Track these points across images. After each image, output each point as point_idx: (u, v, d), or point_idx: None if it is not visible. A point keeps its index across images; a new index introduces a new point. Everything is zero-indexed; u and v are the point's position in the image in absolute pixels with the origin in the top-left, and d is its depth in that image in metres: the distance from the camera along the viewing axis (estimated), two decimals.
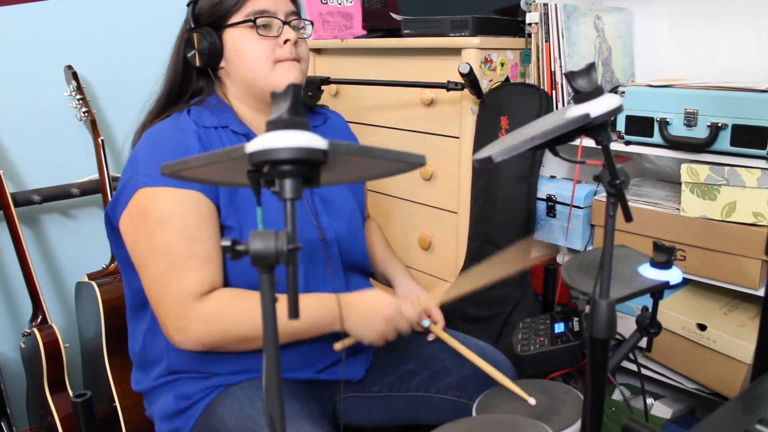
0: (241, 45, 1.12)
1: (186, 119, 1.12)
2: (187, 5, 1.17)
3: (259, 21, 1.12)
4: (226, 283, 1.09)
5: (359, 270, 1.28)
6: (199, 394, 1.11)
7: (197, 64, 1.14)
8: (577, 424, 1.00)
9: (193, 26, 1.15)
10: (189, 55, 1.14)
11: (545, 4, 1.53)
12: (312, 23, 1.22)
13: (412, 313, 1.12)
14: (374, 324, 1.08)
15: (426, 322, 1.21)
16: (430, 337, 1.25)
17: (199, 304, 1.02)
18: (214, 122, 1.13)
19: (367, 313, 1.08)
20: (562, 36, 1.52)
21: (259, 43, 1.12)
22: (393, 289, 1.37)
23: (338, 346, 1.14)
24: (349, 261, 1.23)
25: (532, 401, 1.04)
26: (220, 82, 1.18)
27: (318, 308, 1.07)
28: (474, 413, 1.10)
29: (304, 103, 1.38)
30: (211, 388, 1.11)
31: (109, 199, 1.74)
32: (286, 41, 1.13)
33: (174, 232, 1.03)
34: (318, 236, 1.17)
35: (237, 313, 1.05)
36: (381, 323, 1.08)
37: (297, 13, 1.19)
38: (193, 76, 1.18)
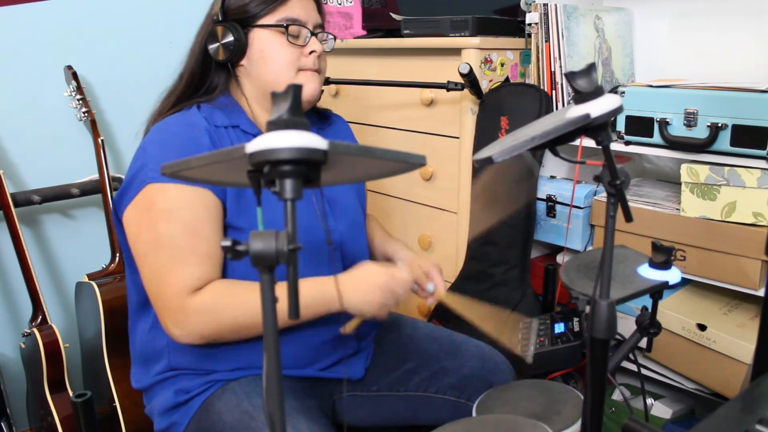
0: (268, 48, 1.12)
1: (197, 115, 1.11)
2: None
3: (291, 29, 1.12)
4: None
5: None
6: (198, 388, 1.11)
7: (219, 57, 1.13)
8: (577, 424, 1.01)
9: (219, 19, 1.13)
10: (211, 47, 1.13)
11: (545, 4, 1.53)
12: (335, 37, 1.23)
13: (405, 274, 1.10)
14: (370, 295, 1.06)
15: (431, 286, 1.18)
16: (431, 300, 1.22)
17: (195, 298, 1.03)
18: (225, 121, 1.13)
19: (361, 285, 1.07)
20: (562, 36, 1.53)
21: (286, 49, 1.12)
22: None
23: (347, 328, 1.13)
24: (352, 262, 1.22)
25: (528, 359, 1.03)
26: (236, 80, 1.18)
27: (312, 290, 1.06)
28: (474, 414, 1.10)
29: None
30: (210, 383, 1.11)
31: (110, 199, 1.74)
32: (311, 52, 1.14)
33: (179, 225, 1.03)
34: (324, 238, 1.17)
35: (232, 302, 1.05)
36: (377, 293, 1.06)
37: (322, 27, 1.20)
38: (212, 70, 1.17)
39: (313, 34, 1.15)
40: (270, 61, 1.13)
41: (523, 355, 1.05)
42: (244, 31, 1.13)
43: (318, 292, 1.06)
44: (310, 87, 1.15)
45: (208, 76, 1.17)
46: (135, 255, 1.08)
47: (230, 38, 1.12)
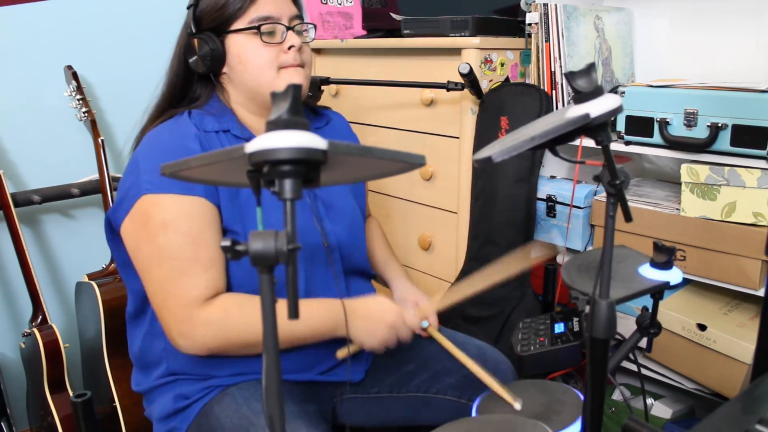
0: (244, 52, 1.11)
1: (187, 122, 1.11)
2: (188, 8, 1.15)
3: (263, 28, 1.10)
4: (229, 286, 1.09)
5: (360, 273, 1.27)
6: (197, 394, 1.11)
7: (199, 70, 1.12)
8: (577, 424, 1.00)
9: (194, 31, 1.12)
10: (191, 60, 1.12)
11: (545, 4, 1.53)
12: (315, 27, 1.21)
13: (414, 320, 1.13)
14: (377, 331, 1.09)
15: (425, 323, 1.21)
16: (425, 334, 1.24)
17: (204, 309, 1.02)
18: (215, 126, 1.12)
19: (371, 320, 1.09)
20: (562, 36, 1.52)
21: (263, 49, 1.10)
22: (390, 290, 1.37)
23: (341, 353, 1.14)
24: (351, 265, 1.22)
25: (517, 406, 1.04)
26: (221, 88, 1.17)
27: (321, 313, 1.07)
28: (474, 414, 1.10)
29: (307, 104, 1.37)
30: (209, 389, 1.11)
31: (110, 199, 1.74)
32: (290, 47, 1.12)
33: (178, 236, 1.02)
34: (320, 241, 1.16)
35: (242, 319, 1.04)
36: (384, 330, 1.08)
37: (300, 17, 1.17)
38: (194, 81, 1.17)
39: (289, 28, 1.13)
40: (249, 65, 1.11)
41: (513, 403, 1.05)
42: (220, 39, 1.11)
43: (327, 318, 1.08)
44: (295, 83, 1.13)
45: (189, 88, 1.17)
46: (137, 268, 1.08)
47: (206, 49, 1.10)
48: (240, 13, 1.11)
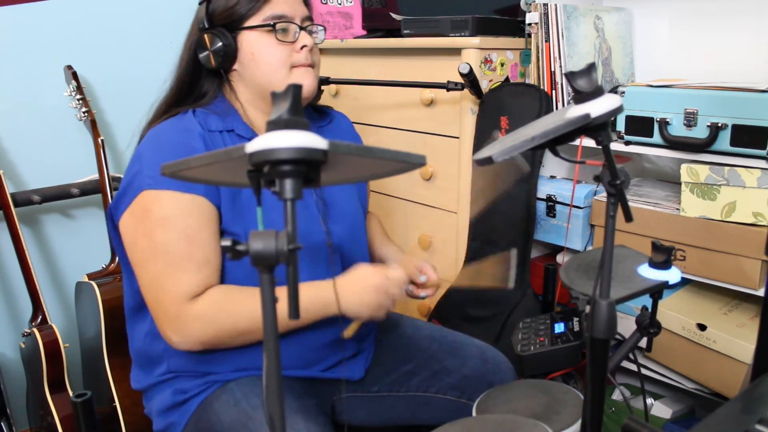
0: (258, 49, 1.11)
1: (191, 120, 1.11)
2: (200, 3, 1.15)
3: (278, 26, 1.11)
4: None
5: None
6: (196, 389, 1.11)
7: (211, 65, 1.12)
8: (577, 424, 1.01)
9: (206, 26, 1.13)
10: (202, 56, 1.12)
11: (545, 4, 1.53)
12: (325, 29, 1.22)
13: (399, 274, 1.10)
14: (366, 297, 1.06)
15: (423, 277, 1.19)
16: (427, 292, 1.22)
17: (194, 304, 1.03)
18: (219, 126, 1.12)
19: (356, 287, 1.06)
20: (562, 36, 1.53)
21: (276, 48, 1.11)
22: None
23: (347, 332, 1.13)
24: (352, 264, 1.22)
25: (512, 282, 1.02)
26: (229, 85, 1.17)
27: (309, 294, 1.06)
28: (474, 413, 1.10)
29: (310, 103, 1.37)
30: (208, 384, 1.11)
31: (110, 199, 1.74)
32: (303, 47, 1.13)
33: (174, 233, 1.03)
34: (321, 241, 1.16)
35: (231, 308, 1.04)
36: (372, 294, 1.06)
37: (310, 18, 1.18)
38: (203, 77, 1.17)
39: (302, 28, 1.14)
40: (262, 62, 1.12)
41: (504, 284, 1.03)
42: (232, 35, 1.11)
43: (315, 297, 1.06)
44: (306, 83, 1.13)
45: (197, 84, 1.17)
46: (132, 263, 1.08)
47: (219, 44, 1.11)
48: (254, 11, 1.11)
